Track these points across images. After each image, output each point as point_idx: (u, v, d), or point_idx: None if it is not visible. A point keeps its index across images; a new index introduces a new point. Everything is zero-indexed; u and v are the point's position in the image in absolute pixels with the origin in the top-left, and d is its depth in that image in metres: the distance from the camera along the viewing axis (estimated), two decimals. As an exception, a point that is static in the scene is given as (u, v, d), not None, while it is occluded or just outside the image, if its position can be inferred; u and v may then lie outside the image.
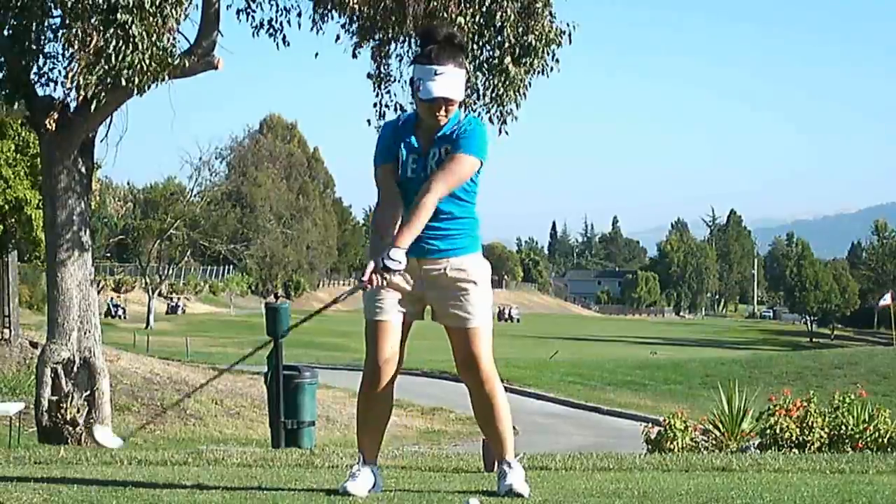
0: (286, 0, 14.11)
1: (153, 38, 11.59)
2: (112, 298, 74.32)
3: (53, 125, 13.19)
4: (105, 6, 11.40)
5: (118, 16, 11.34)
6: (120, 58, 11.47)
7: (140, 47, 11.51)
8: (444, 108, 5.19)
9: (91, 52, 11.59)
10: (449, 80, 5.16)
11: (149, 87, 12.13)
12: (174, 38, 12.30)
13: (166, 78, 12.20)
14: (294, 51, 14.40)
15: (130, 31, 11.39)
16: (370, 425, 5.48)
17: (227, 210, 73.48)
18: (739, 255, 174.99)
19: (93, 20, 11.50)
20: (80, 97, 12.53)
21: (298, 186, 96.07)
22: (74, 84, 11.90)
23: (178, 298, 78.35)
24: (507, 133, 13.55)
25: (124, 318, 69.11)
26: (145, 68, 11.66)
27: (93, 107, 12.37)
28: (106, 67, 11.55)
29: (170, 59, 12.03)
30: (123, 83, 11.77)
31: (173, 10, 11.66)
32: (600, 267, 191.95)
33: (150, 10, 11.45)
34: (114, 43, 11.44)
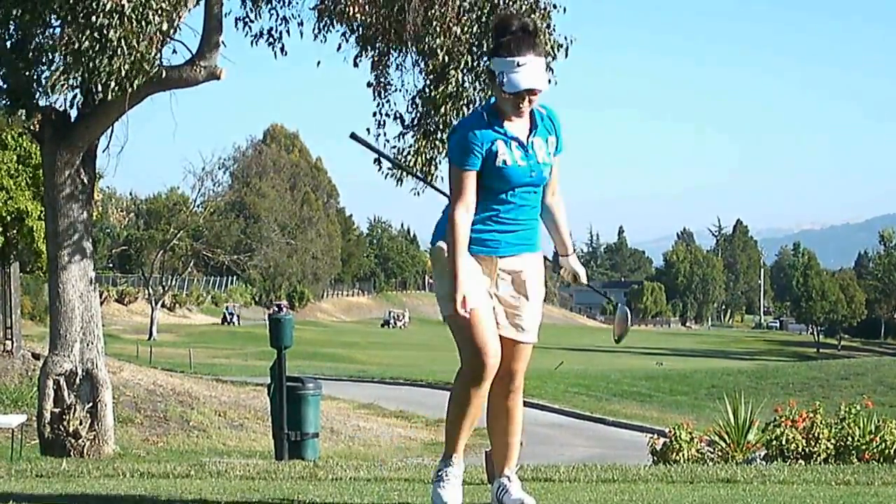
0: (286, 10, 14.15)
1: (132, 44, 11.48)
2: (228, 306, 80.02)
3: (53, 133, 13.19)
4: (84, 10, 11.33)
5: (95, 19, 11.26)
6: (97, 62, 11.40)
7: (119, 53, 11.41)
8: (527, 98, 5.11)
9: (69, 54, 11.54)
10: (532, 70, 5.06)
11: (127, 93, 12.04)
12: (158, 46, 12.24)
13: (136, 85, 12.03)
14: (296, 60, 14.44)
15: (108, 36, 11.32)
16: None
17: (230, 220, 73.54)
18: (746, 265, 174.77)
19: (74, 24, 11.46)
20: (68, 103, 12.52)
21: (302, 196, 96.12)
22: (50, 86, 11.87)
23: (283, 304, 79.85)
24: None
25: (238, 324, 72.52)
26: (123, 74, 11.56)
27: (72, 112, 12.32)
28: (82, 71, 11.49)
29: (147, 67, 11.93)
30: (99, 88, 11.71)
31: (155, 18, 11.57)
32: (606, 277, 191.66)
33: (132, 16, 11.35)
34: (88, 45, 11.36)
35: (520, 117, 5.17)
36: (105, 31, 11.31)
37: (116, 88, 11.84)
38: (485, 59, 13.31)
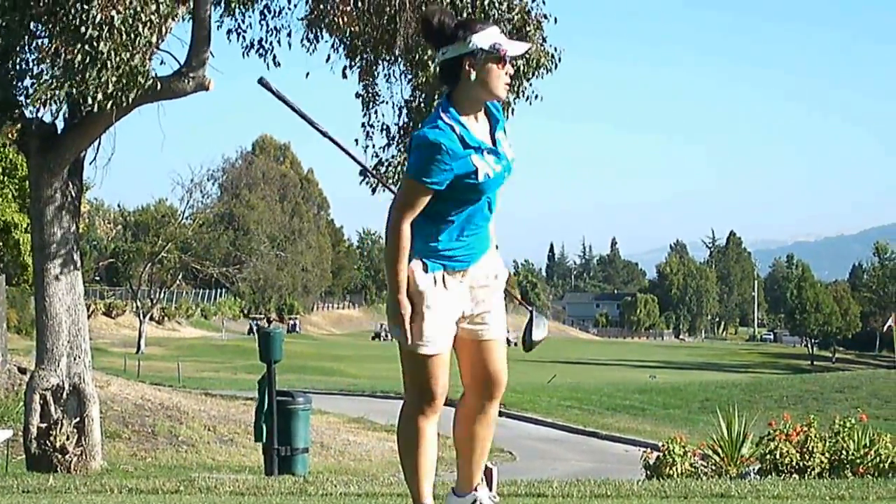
0: (277, 20, 14.14)
1: (122, 57, 11.42)
2: (254, 319, 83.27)
3: (40, 145, 13.11)
4: (74, 22, 11.27)
5: (85, 31, 11.19)
6: (86, 74, 11.33)
7: (109, 65, 11.35)
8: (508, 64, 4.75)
9: (59, 67, 11.48)
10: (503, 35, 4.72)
11: (118, 106, 11.98)
12: (148, 58, 12.17)
13: (131, 98, 11.98)
14: (286, 71, 14.45)
15: (98, 48, 11.25)
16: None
17: (219, 233, 73.32)
18: (739, 277, 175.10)
19: (63, 36, 11.41)
20: (54, 115, 12.48)
21: (292, 208, 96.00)
22: (38, 99, 11.80)
23: (297, 318, 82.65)
24: None
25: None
26: (110, 87, 11.50)
27: (55, 117, 12.26)
28: (72, 84, 11.43)
29: (142, 80, 11.87)
30: (89, 101, 11.64)
31: (145, 30, 11.51)
32: (599, 289, 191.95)
33: (121, 29, 11.28)
34: (79, 59, 11.30)
35: (499, 98, 4.77)
36: (95, 44, 11.25)
37: (107, 101, 11.77)
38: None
